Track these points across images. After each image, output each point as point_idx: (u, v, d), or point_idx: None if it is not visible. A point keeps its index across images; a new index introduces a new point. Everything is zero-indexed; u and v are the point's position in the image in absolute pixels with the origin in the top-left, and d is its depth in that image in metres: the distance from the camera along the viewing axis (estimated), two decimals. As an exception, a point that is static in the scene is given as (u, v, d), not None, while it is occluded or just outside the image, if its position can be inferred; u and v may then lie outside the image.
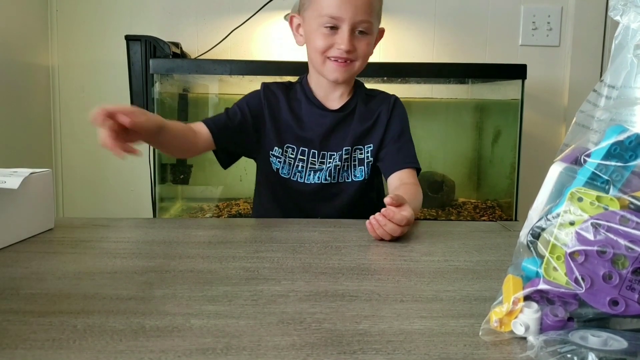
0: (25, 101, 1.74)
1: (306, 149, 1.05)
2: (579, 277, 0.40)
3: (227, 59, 1.70)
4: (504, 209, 1.64)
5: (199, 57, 1.69)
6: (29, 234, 0.75)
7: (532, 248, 0.45)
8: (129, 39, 1.52)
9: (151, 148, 1.54)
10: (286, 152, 1.05)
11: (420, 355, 0.41)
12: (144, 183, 1.80)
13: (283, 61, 1.52)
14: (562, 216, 0.42)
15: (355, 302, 0.52)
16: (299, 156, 1.05)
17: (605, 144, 0.42)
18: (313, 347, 0.42)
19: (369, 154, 1.05)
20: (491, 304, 0.45)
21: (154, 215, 1.56)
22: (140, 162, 1.79)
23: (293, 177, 1.06)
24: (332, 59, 0.98)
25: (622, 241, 0.39)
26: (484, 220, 1.58)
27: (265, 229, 0.83)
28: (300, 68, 1.26)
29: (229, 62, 1.47)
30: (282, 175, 1.06)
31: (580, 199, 0.42)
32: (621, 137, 0.42)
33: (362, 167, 1.06)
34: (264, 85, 1.09)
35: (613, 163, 0.42)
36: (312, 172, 1.05)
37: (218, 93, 1.74)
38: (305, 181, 1.05)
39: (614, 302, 0.40)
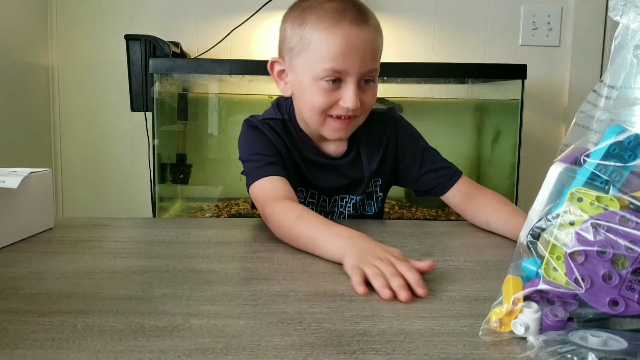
0: (25, 101, 1.74)
1: (316, 192, 0.94)
2: (579, 278, 0.40)
3: (227, 58, 1.70)
4: (504, 209, 1.64)
5: (199, 57, 1.69)
6: (28, 233, 0.75)
7: (532, 248, 0.45)
8: (129, 38, 1.52)
9: (150, 147, 1.54)
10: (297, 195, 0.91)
11: (419, 355, 0.41)
12: (143, 183, 1.80)
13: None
14: (562, 216, 0.42)
15: (355, 302, 0.52)
16: (308, 199, 0.94)
17: (605, 144, 0.42)
18: (313, 347, 0.42)
19: (378, 189, 0.95)
20: (491, 304, 0.45)
21: (154, 215, 1.56)
22: (140, 161, 1.79)
23: None
24: (334, 116, 0.83)
25: (621, 241, 0.39)
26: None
27: (265, 229, 0.83)
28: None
29: (229, 61, 1.47)
30: None
31: (580, 199, 0.42)
32: (620, 137, 0.42)
33: (371, 201, 0.96)
34: (262, 122, 0.90)
35: (612, 163, 0.42)
36: (324, 214, 0.92)
37: (218, 93, 1.74)
38: None
39: (614, 302, 0.40)
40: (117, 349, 0.41)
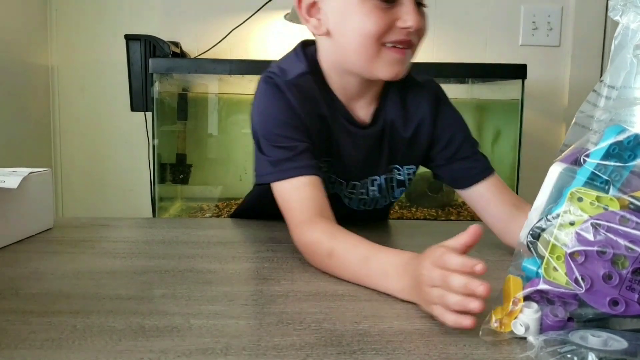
0: (25, 101, 1.74)
1: (333, 176, 0.79)
2: (579, 278, 0.40)
3: (227, 58, 1.70)
4: (504, 209, 1.64)
5: (199, 57, 1.69)
6: (28, 233, 0.75)
7: (532, 248, 0.45)
8: (129, 38, 1.52)
9: (150, 147, 1.54)
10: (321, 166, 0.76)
11: (420, 355, 0.41)
12: (143, 183, 1.80)
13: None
14: (562, 216, 0.42)
15: (355, 302, 0.52)
16: (331, 174, 0.80)
17: (605, 144, 0.42)
18: (313, 347, 0.42)
19: (411, 174, 0.82)
20: (491, 304, 0.45)
21: (154, 215, 1.56)
22: (140, 161, 1.79)
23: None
24: (389, 45, 0.68)
25: (622, 241, 0.39)
26: (483, 220, 1.57)
27: (265, 229, 0.83)
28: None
29: (228, 61, 1.47)
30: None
31: (580, 199, 0.42)
32: (620, 137, 0.42)
33: (403, 188, 0.84)
34: (289, 84, 0.72)
35: (612, 163, 0.42)
36: (346, 197, 0.82)
37: (218, 93, 1.74)
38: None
39: (614, 302, 0.40)
40: (117, 349, 0.41)
